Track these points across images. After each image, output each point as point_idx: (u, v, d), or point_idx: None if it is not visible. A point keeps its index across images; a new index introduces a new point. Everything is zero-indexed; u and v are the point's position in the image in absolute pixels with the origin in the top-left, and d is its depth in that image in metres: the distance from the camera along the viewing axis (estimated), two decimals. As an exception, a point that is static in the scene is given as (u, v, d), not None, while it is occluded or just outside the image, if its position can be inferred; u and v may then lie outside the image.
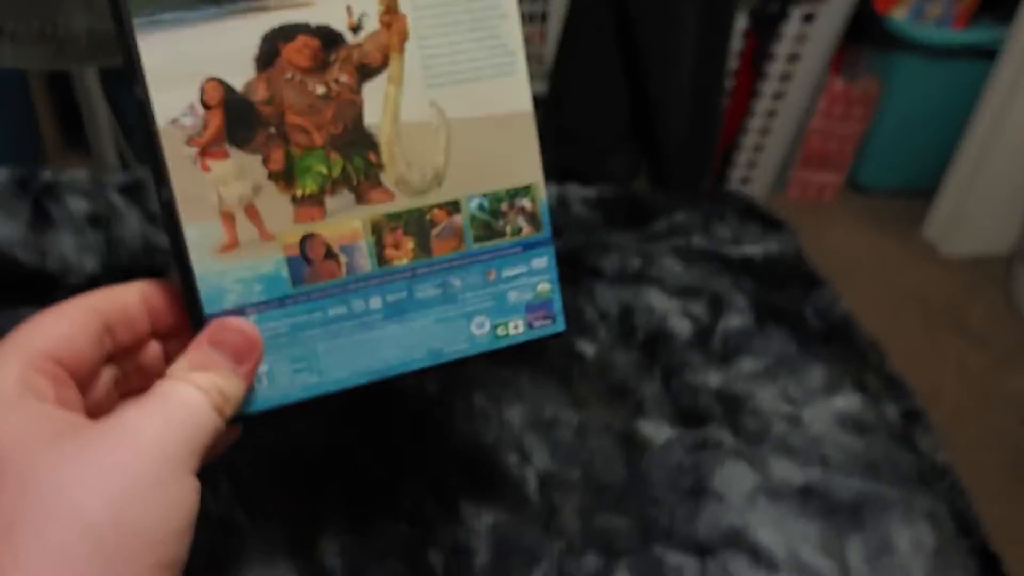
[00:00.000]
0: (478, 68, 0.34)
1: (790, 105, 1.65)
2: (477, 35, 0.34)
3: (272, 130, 0.31)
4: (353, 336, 0.33)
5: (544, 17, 1.36)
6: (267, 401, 0.32)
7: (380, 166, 0.33)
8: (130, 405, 0.28)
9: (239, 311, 0.32)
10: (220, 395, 0.29)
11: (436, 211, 0.34)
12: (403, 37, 0.33)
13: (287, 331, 0.32)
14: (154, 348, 0.33)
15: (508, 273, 0.36)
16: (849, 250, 1.72)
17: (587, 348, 0.56)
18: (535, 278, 0.36)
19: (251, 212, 0.32)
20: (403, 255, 0.34)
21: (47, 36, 0.74)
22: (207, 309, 0.31)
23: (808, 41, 1.56)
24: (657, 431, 0.52)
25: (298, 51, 0.31)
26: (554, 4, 1.33)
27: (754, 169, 1.74)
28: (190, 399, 0.28)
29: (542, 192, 0.35)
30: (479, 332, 0.35)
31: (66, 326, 0.29)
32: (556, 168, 1.55)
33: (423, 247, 0.34)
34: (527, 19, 1.34)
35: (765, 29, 1.51)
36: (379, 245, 0.33)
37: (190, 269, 0.31)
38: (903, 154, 1.80)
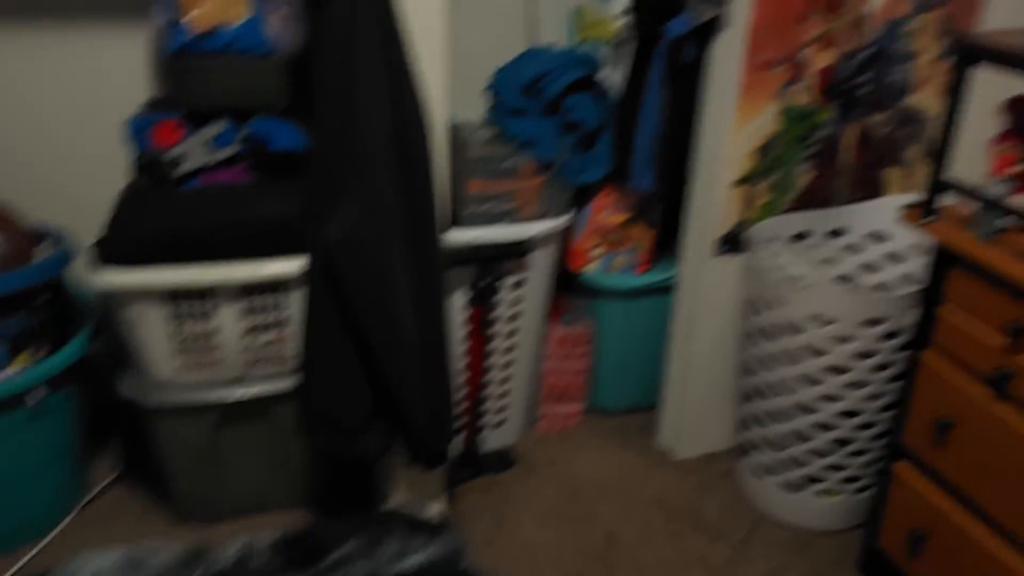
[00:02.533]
0: None
1: (522, 354, 1.89)
2: None
3: None
4: None
5: (282, 323, 1.54)
6: None
7: None
8: None
9: None
10: None
11: None
12: None
13: None
14: None
15: None
16: (597, 471, 1.93)
17: None
18: None
19: None
20: None
21: None
22: None
23: (523, 301, 1.82)
24: None
25: None
26: (292, 311, 1.52)
27: (504, 413, 1.94)
28: None
29: None
30: None
31: None
32: (317, 453, 1.66)
33: None
34: (271, 327, 1.51)
35: (484, 299, 1.76)
36: None
37: None
38: (627, 378, 2.07)
